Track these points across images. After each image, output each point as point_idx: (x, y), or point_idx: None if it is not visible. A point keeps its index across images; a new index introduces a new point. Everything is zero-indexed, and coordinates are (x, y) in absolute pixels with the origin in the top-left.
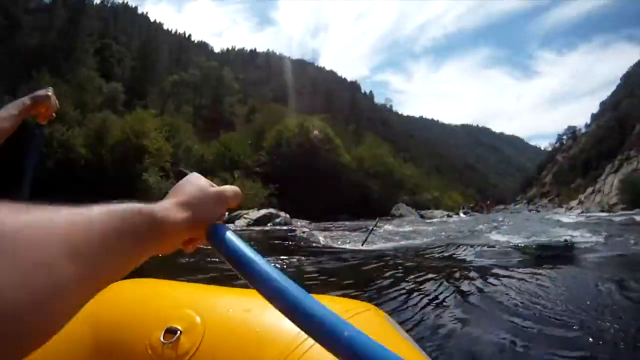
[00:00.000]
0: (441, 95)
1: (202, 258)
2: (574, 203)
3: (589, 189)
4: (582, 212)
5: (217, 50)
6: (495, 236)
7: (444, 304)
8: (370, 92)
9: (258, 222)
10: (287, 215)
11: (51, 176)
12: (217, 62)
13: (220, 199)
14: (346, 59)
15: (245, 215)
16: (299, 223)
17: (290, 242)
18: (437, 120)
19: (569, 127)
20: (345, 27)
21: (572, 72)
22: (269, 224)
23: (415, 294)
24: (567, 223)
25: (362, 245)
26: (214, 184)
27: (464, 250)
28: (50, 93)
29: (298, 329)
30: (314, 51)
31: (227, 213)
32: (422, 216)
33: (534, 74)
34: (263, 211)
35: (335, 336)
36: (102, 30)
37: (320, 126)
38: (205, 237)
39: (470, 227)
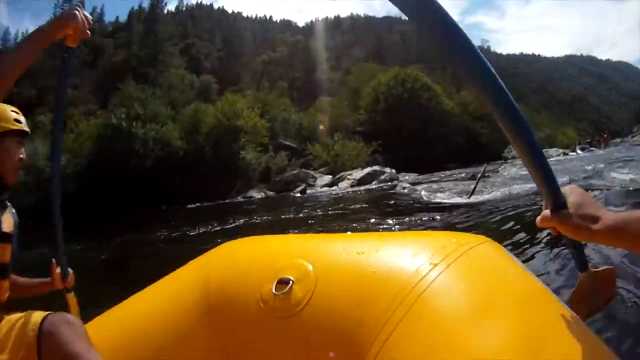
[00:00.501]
0: (538, 28)
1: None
2: None
3: None
4: None
5: (300, 25)
6: (621, 175)
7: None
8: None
9: (362, 181)
10: (393, 171)
11: (149, 176)
12: (303, 36)
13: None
14: None
15: (348, 176)
16: (406, 177)
17: (390, 201)
18: (539, 55)
19: None
20: None
21: None
22: (373, 182)
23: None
24: None
25: (470, 197)
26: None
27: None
28: (76, 11)
29: (416, 266)
30: None
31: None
32: None
33: None
34: (367, 170)
35: None
36: (183, 32)
37: (415, 75)
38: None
39: (591, 165)
